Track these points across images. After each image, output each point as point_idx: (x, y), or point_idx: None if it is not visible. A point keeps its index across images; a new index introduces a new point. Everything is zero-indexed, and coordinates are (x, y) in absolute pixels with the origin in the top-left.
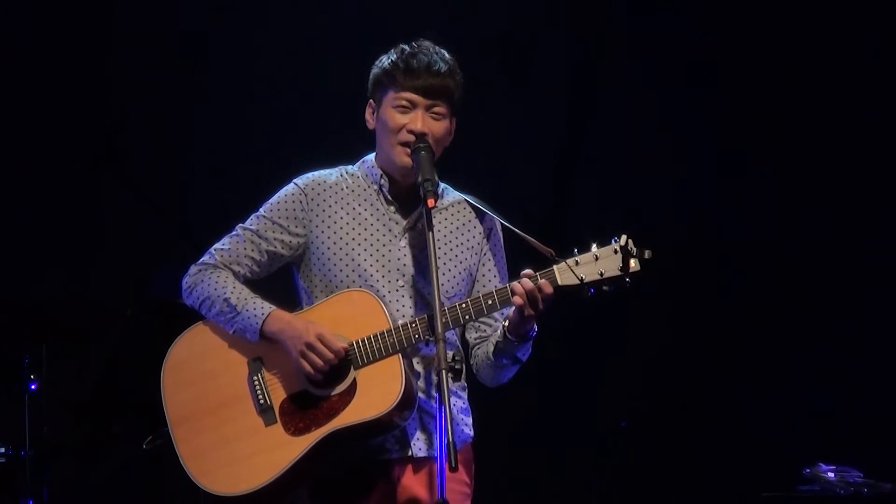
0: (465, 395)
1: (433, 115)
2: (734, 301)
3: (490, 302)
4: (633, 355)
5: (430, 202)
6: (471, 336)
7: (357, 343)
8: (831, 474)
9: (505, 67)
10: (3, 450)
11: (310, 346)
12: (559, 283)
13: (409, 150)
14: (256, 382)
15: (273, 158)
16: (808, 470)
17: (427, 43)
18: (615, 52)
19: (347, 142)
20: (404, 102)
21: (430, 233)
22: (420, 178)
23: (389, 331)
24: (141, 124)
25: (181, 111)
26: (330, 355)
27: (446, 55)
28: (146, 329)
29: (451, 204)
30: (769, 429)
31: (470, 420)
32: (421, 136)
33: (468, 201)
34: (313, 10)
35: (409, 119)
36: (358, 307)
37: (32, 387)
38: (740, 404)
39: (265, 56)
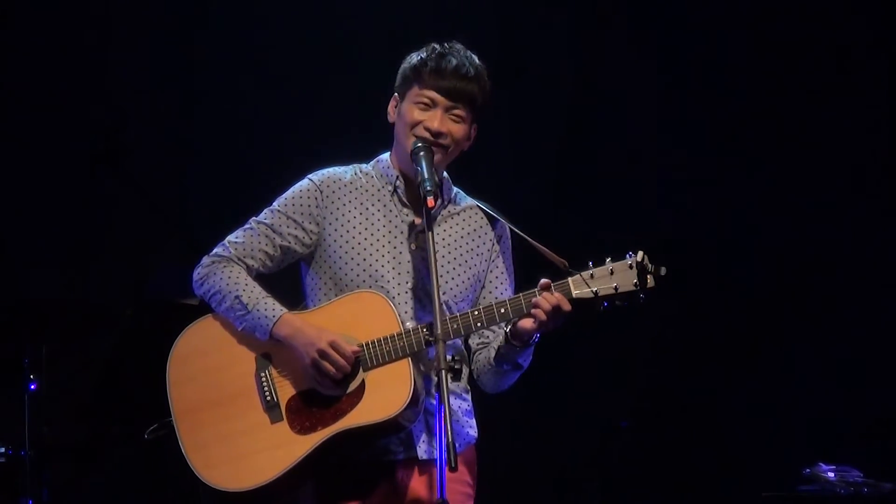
0: (468, 396)
1: (452, 117)
2: (734, 301)
3: (503, 311)
4: (632, 355)
5: (430, 202)
6: (473, 341)
7: (367, 345)
8: (831, 474)
9: (504, 68)
10: (3, 450)
11: (322, 354)
12: (573, 294)
13: (419, 144)
14: (264, 379)
15: (273, 158)
16: (808, 470)
17: (459, 45)
18: (615, 51)
19: (347, 141)
20: (426, 100)
21: (430, 233)
22: (420, 179)
23: (400, 334)
24: (141, 124)
25: (181, 110)
26: (343, 363)
27: (476, 60)
28: (146, 329)
29: (464, 209)
30: (769, 429)
31: (474, 421)
32: (438, 135)
33: (480, 207)
34: (312, 11)
35: (427, 117)
36: (368, 308)
37: (32, 387)
38: (740, 404)
39: (266, 55)
